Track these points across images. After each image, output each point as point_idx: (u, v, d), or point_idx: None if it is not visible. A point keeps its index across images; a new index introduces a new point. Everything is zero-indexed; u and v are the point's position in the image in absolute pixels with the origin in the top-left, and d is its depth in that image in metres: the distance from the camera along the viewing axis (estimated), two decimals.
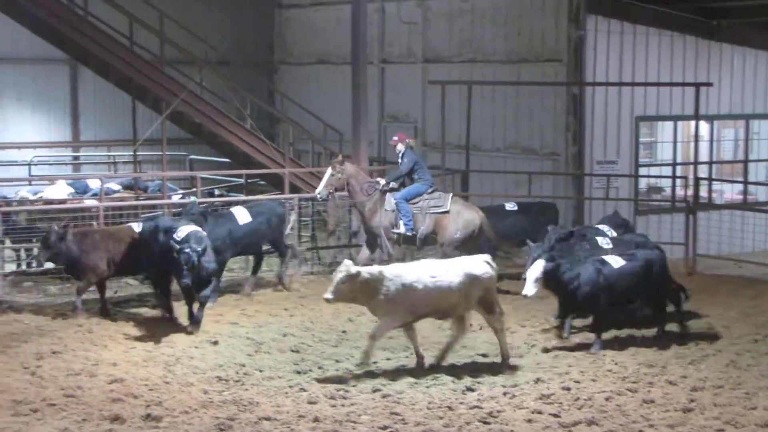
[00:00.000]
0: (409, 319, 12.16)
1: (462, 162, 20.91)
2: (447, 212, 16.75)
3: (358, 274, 11.71)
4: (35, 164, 23.98)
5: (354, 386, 11.66)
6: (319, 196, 16.81)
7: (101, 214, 16.67)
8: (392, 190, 16.91)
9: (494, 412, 10.71)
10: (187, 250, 13.25)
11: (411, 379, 11.92)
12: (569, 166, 20.85)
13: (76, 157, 25.85)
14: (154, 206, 17.86)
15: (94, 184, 19.91)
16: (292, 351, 13.11)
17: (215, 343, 13.41)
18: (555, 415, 10.65)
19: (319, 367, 12.39)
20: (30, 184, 20.70)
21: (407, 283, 11.91)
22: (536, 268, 13.00)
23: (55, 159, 25.24)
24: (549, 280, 13.04)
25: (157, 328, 14.06)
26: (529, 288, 12.94)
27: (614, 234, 15.27)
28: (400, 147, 17.08)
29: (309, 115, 24.29)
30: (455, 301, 12.16)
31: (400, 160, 17.15)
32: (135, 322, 14.47)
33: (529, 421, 10.52)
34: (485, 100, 21.86)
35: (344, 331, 14.20)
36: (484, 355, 13.03)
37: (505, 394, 11.39)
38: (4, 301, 15.27)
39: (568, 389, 11.53)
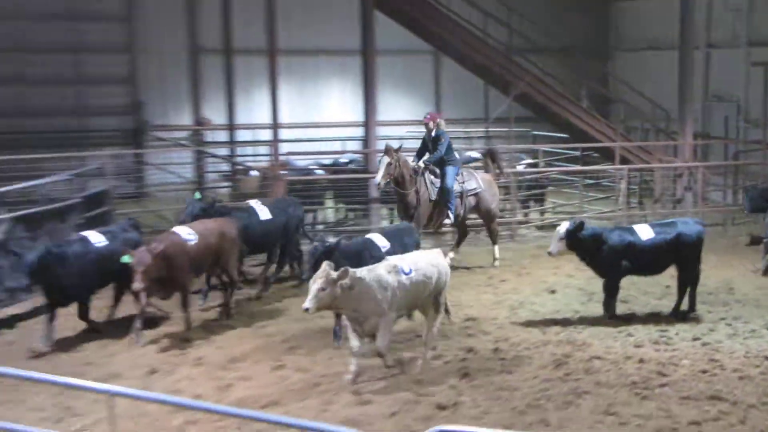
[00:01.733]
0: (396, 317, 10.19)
1: None
2: (481, 190, 15.51)
3: (340, 277, 9.36)
4: (407, 138, 25.09)
5: (676, 334, 11.54)
6: (378, 185, 14.76)
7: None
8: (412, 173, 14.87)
9: None
10: (316, 243, 11.20)
11: (729, 331, 11.65)
12: None
13: None
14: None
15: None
16: (620, 301, 13.09)
17: (553, 291, 13.70)
18: None
19: (645, 317, 12.30)
20: None
21: (389, 281, 9.74)
22: (561, 228, 12.02)
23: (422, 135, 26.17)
24: (571, 240, 11.97)
25: (506, 277, 14.61)
26: (553, 245, 12.06)
27: None
28: (432, 126, 14.98)
29: (638, 96, 23.88)
30: (427, 297, 10.36)
31: (428, 137, 15.10)
32: (489, 274, 14.93)
33: None
34: None
35: (667, 286, 13.39)
36: None
37: None
38: None
39: None
